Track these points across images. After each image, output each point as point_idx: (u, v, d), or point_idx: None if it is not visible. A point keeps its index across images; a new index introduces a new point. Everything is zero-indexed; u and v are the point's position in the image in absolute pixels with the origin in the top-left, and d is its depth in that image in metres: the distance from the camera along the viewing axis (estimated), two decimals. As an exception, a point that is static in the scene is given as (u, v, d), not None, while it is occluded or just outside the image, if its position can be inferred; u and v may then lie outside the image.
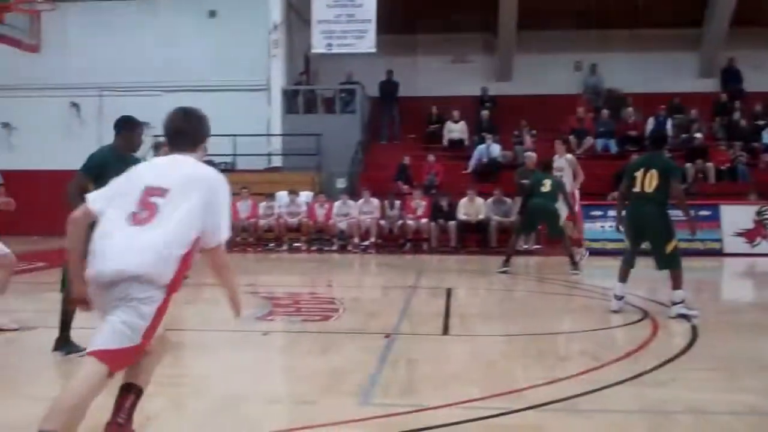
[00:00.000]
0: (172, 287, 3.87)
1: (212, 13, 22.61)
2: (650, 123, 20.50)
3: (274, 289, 11.25)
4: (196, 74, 21.89)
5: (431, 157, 20.06)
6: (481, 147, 20.18)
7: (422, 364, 6.38)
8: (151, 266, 3.75)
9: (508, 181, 17.80)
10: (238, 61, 21.67)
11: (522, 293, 11.53)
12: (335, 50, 20.77)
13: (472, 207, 17.44)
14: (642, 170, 8.56)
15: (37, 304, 9.53)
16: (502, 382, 5.68)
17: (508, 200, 17.44)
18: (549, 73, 22.80)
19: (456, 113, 21.72)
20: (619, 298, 8.68)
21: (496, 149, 19.96)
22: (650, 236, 8.58)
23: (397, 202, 18.06)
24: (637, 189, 8.56)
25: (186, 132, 4.31)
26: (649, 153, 9.05)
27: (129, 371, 4.06)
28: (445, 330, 7.88)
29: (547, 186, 13.01)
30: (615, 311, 8.59)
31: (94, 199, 4.01)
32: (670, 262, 8.48)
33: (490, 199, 17.61)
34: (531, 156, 17.08)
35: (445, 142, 21.66)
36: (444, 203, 17.79)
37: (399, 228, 17.67)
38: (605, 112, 21.06)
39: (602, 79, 22.97)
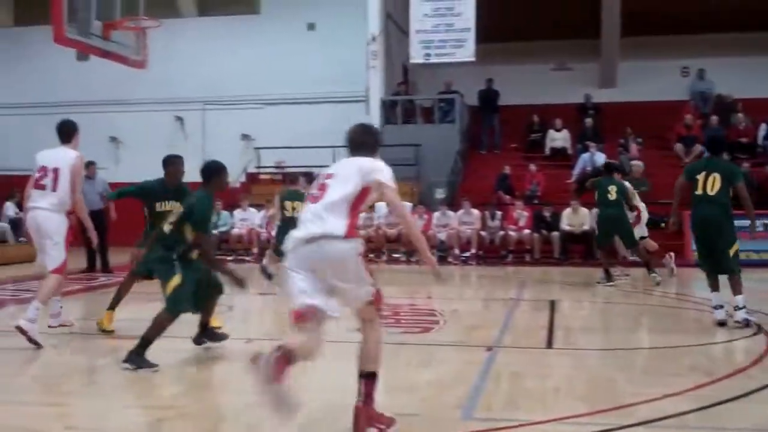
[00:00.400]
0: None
1: (311, 26, 22.90)
2: (762, 129, 19.74)
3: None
4: (296, 86, 22.20)
5: (533, 167, 19.76)
6: (585, 156, 19.75)
7: (525, 377, 6.22)
8: None
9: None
10: (337, 72, 21.84)
11: (628, 306, 11.16)
12: (434, 60, 20.71)
13: (576, 217, 17.05)
14: (703, 173, 8.39)
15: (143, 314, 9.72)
16: (608, 398, 5.47)
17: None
18: (654, 79, 22.21)
19: (558, 121, 21.35)
20: (719, 307, 8.33)
21: (600, 158, 19.49)
22: (715, 238, 8.36)
23: (498, 213, 17.86)
24: (699, 192, 8.39)
25: (366, 144, 5.20)
26: (709, 157, 8.95)
27: (362, 361, 4.85)
28: (549, 343, 7.68)
29: (612, 193, 12.60)
30: (721, 322, 8.23)
31: None
32: (732, 266, 8.30)
33: (594, 209, 17.19)
34: (638, 165, 16.67)
35: (547, 150, 21.31)
36: (547, 213, 17.48)
37: (500, 239, 17.45)
38: (714, 118, 20.32)
39: (711, 85, 22.22)
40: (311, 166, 20.95)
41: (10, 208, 19.30)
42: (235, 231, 18.56)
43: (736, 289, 8.27)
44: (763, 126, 19.76)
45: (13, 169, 22.35)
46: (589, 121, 21.12)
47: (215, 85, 22.69)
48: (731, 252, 8.29)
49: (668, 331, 8.68)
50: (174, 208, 7.34)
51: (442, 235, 17.67)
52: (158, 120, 22.98)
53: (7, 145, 22.28)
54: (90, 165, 13.58)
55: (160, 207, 8.08)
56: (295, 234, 4.71)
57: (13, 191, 18.87)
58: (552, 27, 22.03)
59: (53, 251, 7.65)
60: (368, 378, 4.83)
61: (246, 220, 18.74)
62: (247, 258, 17.76)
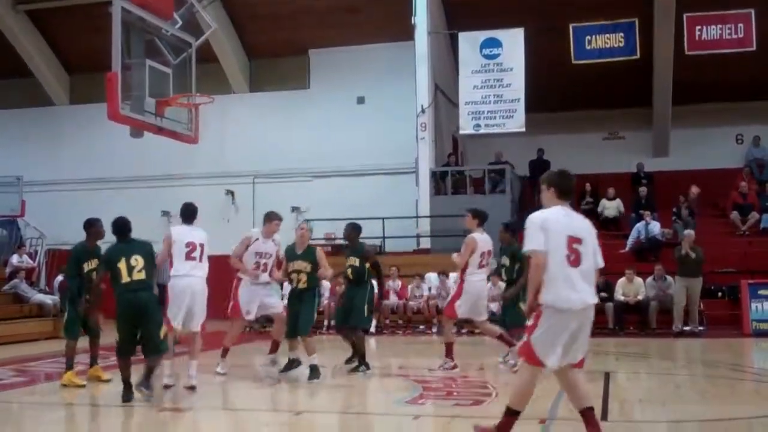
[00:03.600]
0: None
1: (361, 99, 23.17)
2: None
3: (424, 373, 10.99)
4: (346, 159, 22.40)
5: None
6: (639, 224, 19.44)
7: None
8: None
9: (668, 259, 17.05)
10: (386, 144, 22.00)
11: (686, 377, 10.79)
12: (483, 131, 20.74)
13: (630, 287, 16.68)
14: None
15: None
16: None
17: (669, 278, 16.64)
18: (708, 146, 21.96)
19: (611, 190, 21.11)
20: None
21: (656, 227, 19.15)
22: None
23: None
24: None
25: (571, 190, 6.00)
26: None
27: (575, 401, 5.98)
28: (604, 415, 7.40)
29: None
30: None
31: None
32: None
33: (649, 278, 16.83)
34: (690, 234, 16.42)
35: (599, 219, 21.04)
36: (600, 283, 17.14)
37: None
38: (771, 186, 19.98)
39: (766, 152, 21.86)
40: (361, 238, 21.01)
41: (64, 281, 19.50)
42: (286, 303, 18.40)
43: None
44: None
45: (67, 243, 22.78)
46: (643, 190, 20.83)
47: (265, 158, 23.00)
48: None
49: (730, 402, 8.34)
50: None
51: (494, 306, 17.38)
52: (209, 193, 23.24)
53: (61, 221, 22.69)
54: None
55: (87, 266, 9.37)
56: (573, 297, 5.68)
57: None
58: (603, 96, 21.98)
59: (203, 313, 9.01)
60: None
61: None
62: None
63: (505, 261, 11.69)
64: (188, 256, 8.99)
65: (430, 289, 18.10)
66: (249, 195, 23.41)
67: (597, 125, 23.10)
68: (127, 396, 7.99)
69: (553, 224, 5.81)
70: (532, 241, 5.77)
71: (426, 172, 21.35)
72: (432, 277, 18.34)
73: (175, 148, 16.93)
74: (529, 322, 5.84)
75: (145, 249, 8.41)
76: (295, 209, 22.53)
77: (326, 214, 21.18)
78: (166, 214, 22.64)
